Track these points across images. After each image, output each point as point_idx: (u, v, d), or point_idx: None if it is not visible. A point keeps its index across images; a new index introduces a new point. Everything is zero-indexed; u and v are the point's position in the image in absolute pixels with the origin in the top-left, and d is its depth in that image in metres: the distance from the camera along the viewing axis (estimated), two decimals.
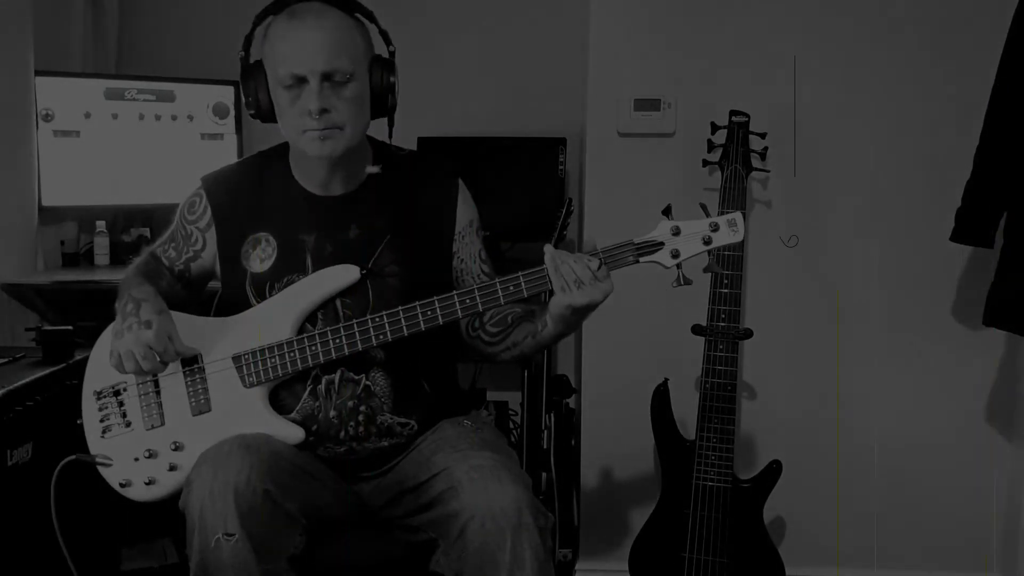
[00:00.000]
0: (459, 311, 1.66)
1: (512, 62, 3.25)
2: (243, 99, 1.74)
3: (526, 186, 3.07)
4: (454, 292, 1.67)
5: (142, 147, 3.02)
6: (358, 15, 1.74)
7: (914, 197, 2.57)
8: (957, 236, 2.36)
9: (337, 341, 1.70)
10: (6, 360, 2.25)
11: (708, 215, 1.65)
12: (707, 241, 1.64)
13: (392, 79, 1.75)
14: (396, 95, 1.77)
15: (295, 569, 1.62)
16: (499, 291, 1.66)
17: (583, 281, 1.59)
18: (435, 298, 1.67)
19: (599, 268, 1.60)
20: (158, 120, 3.04)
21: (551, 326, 1.70)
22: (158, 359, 1.66)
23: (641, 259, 1.64)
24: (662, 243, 1.63)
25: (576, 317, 1.65)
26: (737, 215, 1.64)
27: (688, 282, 1.64)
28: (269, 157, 1.87)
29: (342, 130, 1.70)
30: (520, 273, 1.65)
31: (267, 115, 1.74)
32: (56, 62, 2.92)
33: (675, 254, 1.63)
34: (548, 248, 1.62)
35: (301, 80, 1.66)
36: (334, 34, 1.67)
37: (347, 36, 1.69)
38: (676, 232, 1.63)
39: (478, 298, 1.66)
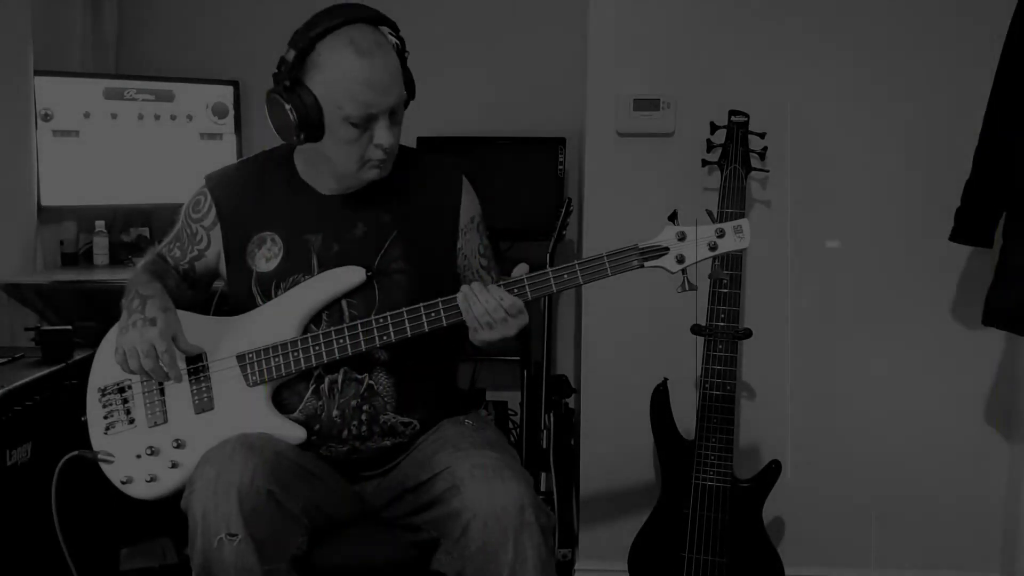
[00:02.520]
0: (462, 313, 1.66)
1: (512, 62, 3.25)
2: (284, 121, 1.66)
3: (526, 186, 3.07)
4: (457, 295, 1.67)
5: (141, 147, 3.02)
6: (384, 28, 1.72)
7: (914, 197, 2.57)
8: (957, 236, 2.36)
9: (340, 341, 1.70)
10: (5, 360, 2.25)
11: (714, 221, 1.65)
12: (713, 247, 1.63)
13: (413, 84, 1.77)
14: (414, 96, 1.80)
15: (297, 569, 1.62)
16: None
17: (494, 321, 1.62)
18: (439, 300, 1.67)
19: (513, 306, 1.62)
20: (157, 120, 3.04)
21: (479, 345, 1.70)
22: (159, 361, 1.66)
23: (646, 264, 1.64)
24: (667, 248, 1.63)
25: (497, 345, 1.67)
26: (744, 222, 1.63)
27: (693, 288, 1.64)
28: (273, 157, 1.88)
29: (392, 156, 1.74)
30: (524, 276, 1.65)
31: (316, 139, 1.69)
32: (55, 62, 2.92)
33: (680, 259, 1.63)
34: (463, 287, 1.64)
35: (372, 117, 1.66)
36: (394, 67, 1.68)
37: (397, 65, 1.69)
38: (681, 237, 1.63)
39: None
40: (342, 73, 1.63)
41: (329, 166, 1.76)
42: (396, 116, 1.70)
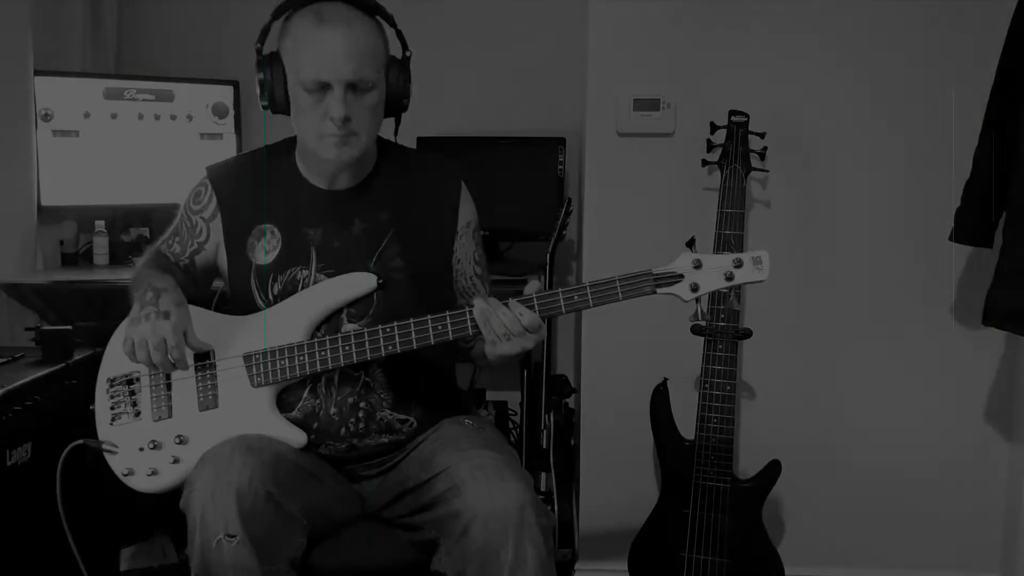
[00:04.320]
0: (469, 328, 1.64)
1: (512, 62, 3.25)
2: (257, 90, 1.73)
3: (526, 186, 3.07)
4: (467, 308, 1.64)
5: (141, 147, 3.02)
6: (378, 17, 1.74)
7: (914, 197, 2.57)
8: (957, 236, 2.36)
9: (347, 349, 1.69)
10: (5, 360, 2.25)
11: (719, 228, 1.62)
12: (729, 277, 1.59)
13: (408, 84, 1.77)
14: (410, 98, 1.79)
15: (297, 570, 1.62)
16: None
17: (512, 334, 1.59)
18: (447, 313, 1.65)
19: (532, 321, 1.59)
20: (157, 120, 3.04)
21: (492, 359, 1.69)
22: (168, 355, 1.66)
23: (659, 290, 1.61)
24: (681, 275, 1.61)
25: (511, 360, 1.66)
26: (764, 253, 1.59)
27: (706, 319, 1.61)
28: (275, 151, 1.89)
29: (358, 136, 1.72)
30: (534, 295, 1.62)
31: (281, 109, 1.74)
32: (55, 62, 2.92)
33: (694, 288, 1.60)
34: (478, 301, 1.61)
35: (325, 86, 1.66)
36: (361, 43, 1.67)
37: (372, 44, 1.69)
38: (697, 266, 1.60)
39: None
40: (300, 39, 1.67)
41: (304, 148, 1.78)
42: (359, 92, 1.68)
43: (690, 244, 1.63)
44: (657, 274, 1.61)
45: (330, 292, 1.76)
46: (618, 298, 1.61)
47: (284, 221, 1.81)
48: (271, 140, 1.91)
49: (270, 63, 1.71)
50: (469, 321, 1.64)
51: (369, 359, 1.69)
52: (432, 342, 1.66)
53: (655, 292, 1.61)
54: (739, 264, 1.60)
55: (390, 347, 1.67)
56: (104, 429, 1.80)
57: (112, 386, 1.81)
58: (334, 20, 1.66)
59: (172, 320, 1.66)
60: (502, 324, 1.59)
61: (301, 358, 1.72)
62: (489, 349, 1.64)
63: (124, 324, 1.78)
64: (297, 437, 1.73)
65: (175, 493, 1.67)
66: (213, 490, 1.54)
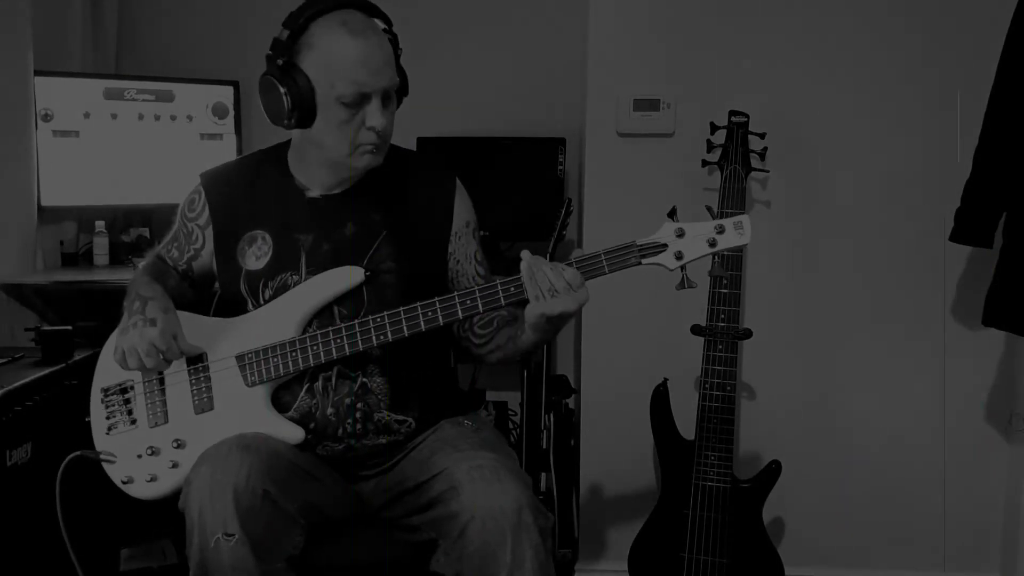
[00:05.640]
0: (459, 312, 1.65)
1: (512, 62, 3.25)
2: (286, 102, 1.66)
3: (526, 186, 3.07)
4: (455, 293, 1.66)
5: (141, 147, 3.02)
6: (376, 20, 1.73)
7: (914, 197, 2.57)
8: (957, 236, 2.36)
9: (338, 341, 1.70)
10: (5, 360, 2.25)
11: (714, 217, 1.63)
12: (712, 243, 1.61)
13: (406, 81, 1.78)
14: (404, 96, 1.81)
15: (294, 569, 1.63)
16: (500, 292, 1.64)
17: (557, 290, 1.58)
18: (436, 299, 1.66)
19: (574, 278, 1.59)
20: (157, 120, 3.04)
21: (529, 333, 1.68)
22: (161, 357, 1.67)
23: (644, 261, 1.62)
24: (665, 245, 1.61)
25: (551, 326, 1.64)
26: (744, 217, 1.61)
27: (692, 285, 1.62)
28: (268, 155, 1.88)
29: (386, 143, 1.74)
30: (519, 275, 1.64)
31: (305, 123, 1.70)
32: (55, 62, 2.92)
33: (679, 256, 1.61)
34: (525, 254, 1.60)
35: (365, 98, 1.66)
36: (387, 51, 1.69)
37: (390, 49, 1.71)
38: (680, 234, 1.61)
39: (479, 299, 1.65)
40: (335, 52, 1.64)
41: (321, 155, 1.75)
42: (389, 100, 1.71)
43: (671, 214, 1.63)
44: (641, 245, 1.62)
45: (318, 287, 1.75)
46: (604, 271, 1.61)
47: (275, 227, 1.80)
48: (268, 143, 1.90)
49: (293, 77, 1.65)
50: (459, 306, 1.64)
51: (361, 349, 1.69)
52: (423, 328, 1.66)
53: (640, 263, 1.61)
54: (721, 230, 1.61)
55: (381, 336, 1.68)
56: (101, 439, 1.81)
57: (106, 396, 1.81)
58: (364, 31, 1.66)
59: (159, 326, 1.67)
60: (547, 279, 1.57)
61: (293, 354, 1.72)
62: (531, 307, 1.60)
63: (114, 334, 1.79)
64: (294, 433, 1.73)
65: (176, 494, 1.67)
66: (211, 489, 1.54)
